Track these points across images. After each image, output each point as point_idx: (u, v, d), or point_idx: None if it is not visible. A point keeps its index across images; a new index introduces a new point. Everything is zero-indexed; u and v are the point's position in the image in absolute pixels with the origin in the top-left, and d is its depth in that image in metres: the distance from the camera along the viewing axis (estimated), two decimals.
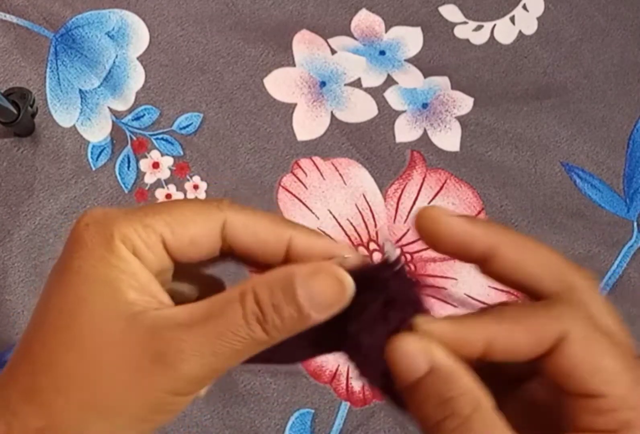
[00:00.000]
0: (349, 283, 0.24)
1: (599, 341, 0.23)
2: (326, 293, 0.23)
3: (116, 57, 0.77)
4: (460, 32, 0.82)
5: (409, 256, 0.74)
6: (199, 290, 0.29)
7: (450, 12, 0.82)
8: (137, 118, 0.75)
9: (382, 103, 0.78)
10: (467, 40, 0.81)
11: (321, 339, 0.25)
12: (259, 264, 0.27)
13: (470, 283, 0.73)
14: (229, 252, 0.27)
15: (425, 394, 0.23)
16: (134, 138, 0.75)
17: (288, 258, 0.26)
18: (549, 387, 0.24)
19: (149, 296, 0.24)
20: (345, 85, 0.78)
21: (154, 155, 0.75)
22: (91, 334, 0.24)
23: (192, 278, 0.29)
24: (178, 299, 0.27)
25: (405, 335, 0.23)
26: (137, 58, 0.77)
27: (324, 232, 0.73)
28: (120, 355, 0.23)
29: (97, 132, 0.75)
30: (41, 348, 0.24)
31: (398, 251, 0.26)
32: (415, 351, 0.23)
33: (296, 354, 0.26)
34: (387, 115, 0.78)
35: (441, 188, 0.76)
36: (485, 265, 0.25)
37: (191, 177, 0.74)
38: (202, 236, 0.26)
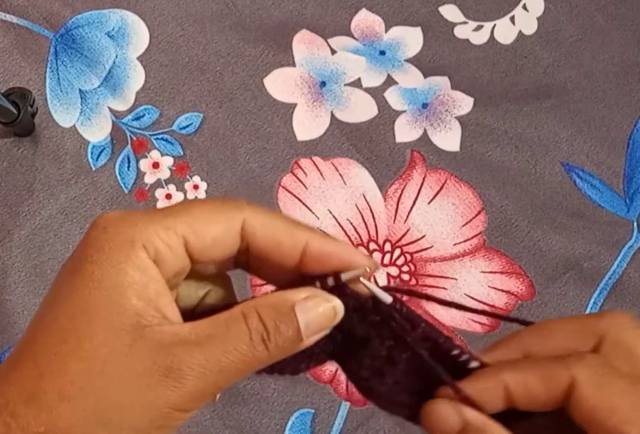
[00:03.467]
0: (340, 312, 0.26)
1: (612, 383, 0.24)
2: (320, 320, 0.25)
3: (116, 57, 0.77)
4: (460, 32, 0.82)
5: (408, 256, 0.74)
6: (206, 287, 0.29)
7: (450, 12, 0.82)
8: (137, 118, 0.75)
9: (382, 103, 0.78)
10: (467, 40, 0.81)
11: (315, 351, 0.27)
12: (269, 269, 0.28)
13: (470, 283, 0.73)
14: (243, 258, 0.27)
15: None
16: (134, 138, 0.75)
17: (303, 262, 0.27)
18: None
19: (154, 309, 0.24)
20: (345, 85, 0.78)
21: (154, 155, 0.75)
22: (100, 344, 0.23)
23: (202, 276, 0.29)
24: (185, 298, 0.27)
25: (438, 400, 0.26)
26: (137, 58, 0.77)
27: (324, 233, 0.73)
28: (128, 368, 0.23)
29: (97, 132, 0.75)
30: (48, 352, 0.24)
31: (390, 298, 0.27)
32: (449, 412, 0.25)
33: (292, 366, 0.28)
34: (387, 115, 0.78)
35: (441, 188, 0.76)
36: None
37: (191, 177, 0.74)
38: (224, 236, 0.26)
